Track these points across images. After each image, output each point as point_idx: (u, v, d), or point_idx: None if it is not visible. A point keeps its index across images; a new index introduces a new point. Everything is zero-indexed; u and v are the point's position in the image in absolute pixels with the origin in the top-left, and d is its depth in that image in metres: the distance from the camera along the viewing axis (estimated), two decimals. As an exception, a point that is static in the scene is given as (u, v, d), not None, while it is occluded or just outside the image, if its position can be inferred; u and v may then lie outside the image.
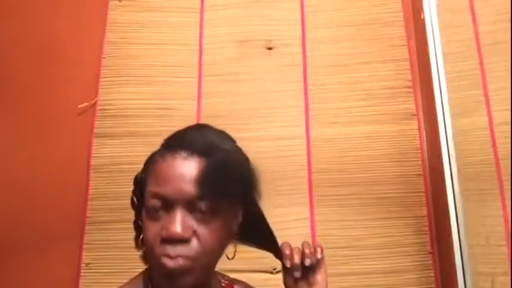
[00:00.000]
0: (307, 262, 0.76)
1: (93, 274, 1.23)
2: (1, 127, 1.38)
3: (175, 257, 0.64)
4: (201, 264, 0.67)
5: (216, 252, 0.70)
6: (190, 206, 0.65)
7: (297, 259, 0.76)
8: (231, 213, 0.72)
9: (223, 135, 0.74)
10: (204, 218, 0.66)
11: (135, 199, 0.73)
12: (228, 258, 0.74)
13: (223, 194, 0.66)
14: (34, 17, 1.48)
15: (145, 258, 0.75)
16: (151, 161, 0.72)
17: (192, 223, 0.65)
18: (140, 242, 0.71)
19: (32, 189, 1.31)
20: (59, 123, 1.38)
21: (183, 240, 0.65)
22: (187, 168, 0.66)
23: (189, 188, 0.65)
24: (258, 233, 0.83)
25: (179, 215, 0.65)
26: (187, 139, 0.70)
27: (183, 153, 0.67)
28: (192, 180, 0.65)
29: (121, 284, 0.76)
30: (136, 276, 0.78)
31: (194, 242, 0.65)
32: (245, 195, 0.70)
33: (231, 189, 0.66)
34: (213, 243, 0.68)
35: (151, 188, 0.67)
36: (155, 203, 0.66)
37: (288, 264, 0.77)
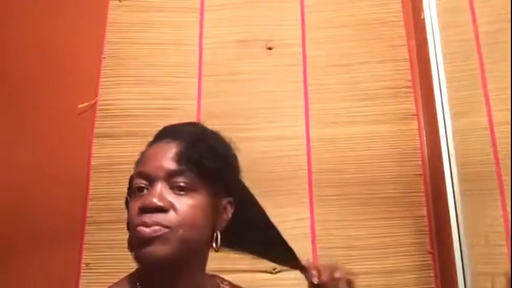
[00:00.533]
0: (337, 274, 0.77)
1: (93, 274, 1.23)
2: (1, 127, 1.38)
3: (151, 225, 0.66)
4: (178, 236, 0.67)
5: (196, 228, 0.70)
6: (170, 181, 0.70)
7: (325, 276, 0.77)
8: (214, 199, 0.73)
9: (209, 130, 0.78)
10: (183, 193, 0.70)
11: (129, 198, 0.74)
12: (215, 250, 0.75)
13: (201, 171, 0.70)
14: (34, 17, 1.48)
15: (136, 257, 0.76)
16: (140, 156, 0.76)
17: (171, 197, 0.69)
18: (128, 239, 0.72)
19: (32, 189, 1.31)
20: (59, 123, 1.38)
21: (161, 210, 0.67)
22: (167, 150, 0.71)
23: (168, 164, 0.70)
24: (269, 244, 0.86)
25: (158, 188, 0.69)
26: (172, 129, 0.75)
27: (167, 140, 0.73)
28: (171, 158, 0.70)
29: (110, 284, 0.77)
30: (125, 277, 0.78)
31: (171, 213, 0.68)
32: (220, 173, 0.72)
33: (208, 166, 0.70)
34: (192, 218, 0.70)
35: (137, 169, 0.72)
36: (139, 182, 0.70)
37: (316, 281, 0.79)
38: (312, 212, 1.27)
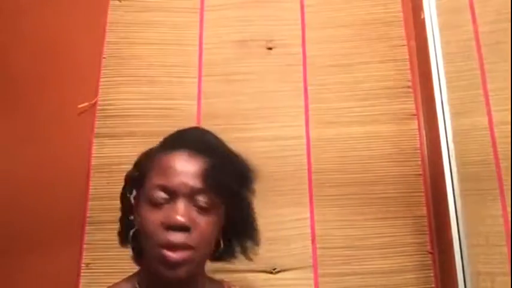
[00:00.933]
0: None
1: (93, 274, 1.23)
2: (1, 127, 1.38)
3: (177, 247, 0.68)
4: (199, 254, 0.71)
5: (210, 245, 0.75)
6: (191, 198, 0.71)
7: None
8: (222, 210, 0.76)
9: (216, 137, 0.80)
10: (202, 210, 0.72)
11: (129, 195, 0.77)
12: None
13: (223, 191, 0.72)
14: (34, 17, 1.48)
15: (136, 256, 0.77)
16: (150, 158, 0.77)
17: (193, 214, 0.71)
18: (131, 237, 0.76)
19: (32, 189, 1.31)
20: (59, 123, 1.38)
21: (185, 228, 0.69)
22: (190, 165, 0.72)
23: (192, 181, 0.71)
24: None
25: (182, 205, 0.70)
26: (188, 139, 0.76)
27: (186, 152, 0.73)
28: (195, 175, 0.71)
29: (110, 285, 0.78)
30: (124, 279, 0.80)
31: (194, 232, 0.70)
32: (238, 194, 0.75)
33: (228, 187, 0.72)
34: (210, 235, 0.73)
35: (155, 180, 0.72)
36: (159, 194, 0.71)
37: None
38: (312, 212, 1.27)
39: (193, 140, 0.76)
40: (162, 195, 0.71)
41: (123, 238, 0.81)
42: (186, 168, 0.72)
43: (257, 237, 0.81)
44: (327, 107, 1.36)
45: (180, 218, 0.69)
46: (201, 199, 0.72)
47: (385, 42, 1.41)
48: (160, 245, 0.69)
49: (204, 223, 0.71)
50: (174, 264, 0.68)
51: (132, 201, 0.78)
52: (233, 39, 1.43)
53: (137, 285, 0.77)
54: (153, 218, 0.70)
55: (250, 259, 0.82)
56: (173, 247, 0.68)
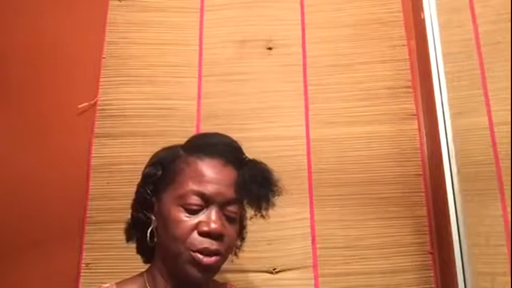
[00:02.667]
0: None
1: (93, 274, 1.23)
2: (0, 127, 1.38)
3: (213, 253, 0.72)
4: (225, 259, 0.76)
5: (232, 250, 0.80)
6: (223, 207, 0.74)
7: None
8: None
9: (237, 141, 0.84)
10: (231, 218, 0.75)
11: (148, 192, 0.78)
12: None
13: (250, 201, 0.76)
14: (33, 17, 1.48)
15: (149, 256, 0.79)
16: (178, 160, 0.78)
17: (224, 223, 0.74)
18: (149, 235, 0.77)
19: (32, 189, 1.32)
20: (59, 123, 1.38)
21: (220, 237, 0.73)
22: (225, 174, 0.75)
23: (227, 191, 0.74)
24: None
25: (217, 213, 0.73)
26: (220, 146, 0.78)
27: (221, 161, 0.76)
28: (229, 185, 0.75)
29: (121, 280, 0.79)
30: (134, 276, 0.80)
31: (225, 239, 0.74)
32: (263, 205, 0.79)
33: (258, 192, 0.76)
34: (234, 241, 0.78)
35: (193, 186, 0.74)
36: (196, 200, 0.73)
37: None
38: (312, 212, 1.27)
39: (225, 148, 0.78)
40: (198, 201, 0.73)
41: (131, 235, 0.83)
42: (222, 176, 0.75)
43: (244, 235, 0.86)
44: (327, 107, 1.36)
45: (217, 227, 0.72)
46: (231, 209, 0.75)
47: (385, 42, 1.41)
48: (195, 250, 0.71)
49: (231, 231, 0.76)
50: (207, 268, 0.72)
51: (153, 200, 0.79)
52: (233, 39, 1.43)
53: (147, 285, 0.78)
54: (187, 223, 0.72)
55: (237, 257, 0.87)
56: (208, 253, 0.71)
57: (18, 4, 1.49)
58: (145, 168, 0.83)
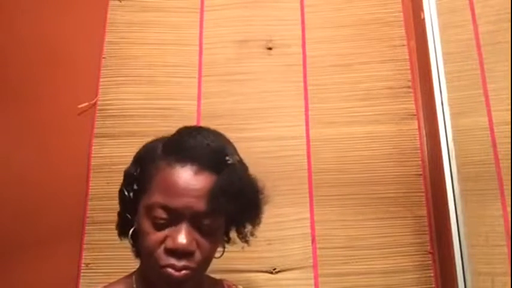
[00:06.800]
0: None
1: (93, 274, 1.23)
2: (0, 127, 1.38)
3: (180, 269, 0.66)
4: (200, 272, 0.71)
5: (211, 261, 0.73)
6: (195, 221, 0.68)
7: None
8: (224, 223, 0.74)
9: (225, 142, 0.75)
10: (206, 231, 0.69)
11: (126, 193, 0.74)
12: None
13: (228, 212, 0.69)
14: (33, 17, 1.48)
15: (135, 254, 0.77)
16: (153, 162, 0.71)
17: (196, 236, 0.68)
18: (130, 235, 0.74)
19: (32, 189, 1.31)
20: (59, 123, 1.38)
21: (189, 254, 0.67)
22: (197, 184, 0.67)
23: (198, 204, 0.67)
24: None
25: (186, 228, 0.67)
26: (196, 151, 0.70)
27: (194, 167, 0.68)
28: (202, 196, 0.67)
29: (108, 283, 0.78)
30: (121, 278, 0.79)
31: (197, 254, 0.68)
32: (245, 213, 0.72)
33: (235, 208, 0.68)
34: (212, 253, 0.72)
35: (157, 198, 0.68)
36: (162, 214, 0.67)
37: None
38: (312, 212, 1.27)
39: (201, 151, 0.70)
40: (163, 215, 0.67)
41: (121, 232, 0.80)
42: (191, 187, 0.67)
43: (256, 217, 0.74)
44: (327, 107, 1.36)
45: (183, 244, 0.66)
46: (206, 222, 0.68)
47: (385, 42, 1.41)
48: (162, 265, 0.67)
49: (207, 245, 0.69)
50: (178, 283, 0.67)
51: (132, 198, 0.75)
52: (233, 39, 1.43)
53: (134, 285, 0.76)
54: (155, 237, 0.67)
55: (246, 242, 0.79)
56: (176, 269, 0.66)
57: (18, 4, 1.49)
58: (130, 164, 0.78)
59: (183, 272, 0.66)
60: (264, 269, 1.22)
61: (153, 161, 0.72)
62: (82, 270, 1.24)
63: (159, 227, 0.68)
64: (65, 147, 1.35)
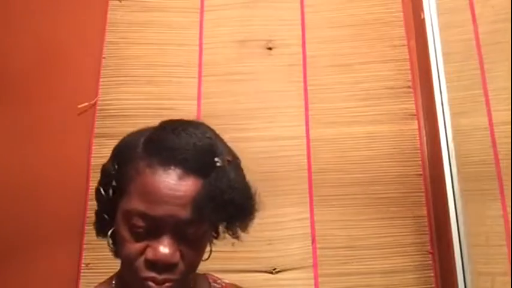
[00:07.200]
0: None
1: (93, 274, 1.23)
2: (1, 127, 1.38)
3: (161, 282, 0.60)
4: (183, 280, 0.64)
5: (196, 268, 0.67)
6: (179, 229, 0.61)
7: None
8: (212, 229, 0.68)
9: (214, 140, 0.66)
10: (191, 239, 0.62)
11: (102, 191, 0.66)
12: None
13: (215, 218, 0.63)
14: (34, 17, 1.48)
15: (114, 255, 0.72)
16: (132, 161, 0.64)
17: (179, 246, 0.61)
18: (109, 237, 0.68)
19: (32, 189, 1.31)
20: (59, 123, 1.38)
21: (171, 267, 0.61)
22: (181, 190, 0.60)
23: (181, 212, 0.60)
24: None
25: (168, 238, 0.60)
26: (181, 152, 0.61)
27: (178, 171, 0.60)
28: (186, 204, 0.60)
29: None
30: (104, 281, 0.76)
31: (180, 265, 0.62)
32: (233, 220, 0.64)
33: (222, 216, 0.62)
34: (198, 260, 0.66)
35: (137, 205, 0.60)
36: (141, 222, 0.60)
37: None
38: (312, 212, 1.27)
39: (186, 152, 0.61)
40: (142, 224, 0.60)
41: (99, 232, 0.72)
42: (174, 193, 0.59)
43: (246, 224, 0.65)
44: (327, 107, 1.36)
45: (165, 256, 0.59)
46: (190, 231, 0.61)
47: (385, 42, 1.41)
48: (142, 278, 0.61)
49: (191, 254, 0.62)
50: None
51: (110, 198, 0.66)
52: (233, 39, 1.43)
53: (113, 284, 0.73)
54: (133, 247, 0.61)
55: (237, 238, 0.69)
56: (157, 282, 0.60)
57: (18, 4, 1.49)
58: (108, 159, 0.70)
59: (165, 285, 0.60)
60: (264, 269, 1.22)
61: (132, 159, 0.64)
62: (82, 270, 1.24)
63: (137, 237, 0.61)
64: (65, 147, 1.35)
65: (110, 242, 0.68)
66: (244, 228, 0.65)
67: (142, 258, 0.61)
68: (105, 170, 0.68)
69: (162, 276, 0.60)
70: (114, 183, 0.65)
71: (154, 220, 0.60)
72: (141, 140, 0.66)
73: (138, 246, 0.61)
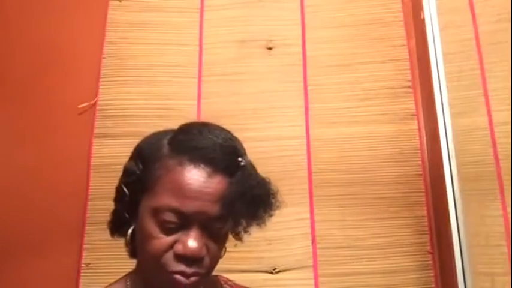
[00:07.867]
0: None
1: (93, 274, 1.23)
2: (1, 127, 1.38)
3: (190, 275, 0.63)
4: (208, 276, 0.68)
5: (218, 261, 0.70)
6: (207, 224, 0.64)
7: None
8: (233, 226, 0.71)
9: (235, 142, 0.72)
10: (216, 235, 0.66)
11: (126, 190, 0.70)
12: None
13: (241, 216, 0.66)
14: (34, 17, 1.48)
15: (131, 255, 0.73)
16: (159, 159, 0.67)
17: (206, 240, 0.65)
18: (129, 236, 0.70)
19: (32, 189, 1.32)
20: (59, 123, 1.38)
21: (199, 260, 0.64)
22: (210, 187, 0.64)
23: (212, 208, 0.63)
24: None
25: (197, 233, 0.63)
26: (209, 152, 0.65)
27: (208, 169, 0.64)
28: (215, 200, 0.63)
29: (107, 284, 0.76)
30: (117, 280, 0.76)
31: (206, 259, 0.65)
32: (256, 216, 0.68)
33: (248, 212, 0.66)
34: (219, 256, 0.69)
35: (166, 200, 0.63)
36: (172, 217, 0.63)
37: None
38: (312, 212, 1.27)
39: (215, 152, 0.65)
40: (174, 219, 0.63)
41: (114, 230, 0.75)
42: (205, 190, 0.63)
43: (264, 220, 0.68)
44: (327, 107, 1.36)
45: (194, 250, 0.62)
46: (217, 225, 0.65)
47: (385, 42, 1.41)
48: (170, 271, 0.63)
49: (216, 249, 0.66)
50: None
51: (132, 196, 0.70)
52: (233, 39, 1.43)
53: (128, 283, 0.74)
54: (163, 242, 0.63)
55: (240, 239, 0.74)
56: (185, 276, 0.63)
57: (18, 5, 1.49)
58: (129, 159, 0.73)
59: (193, 278, 0.63)
60: (264, 269, 1.22)
61: (159, 159, 0.67)
62: (82, 270, 1.24)
63: (167, 231, 0.64)
64: (65, 147, 1.35)
65: (129, 240, 0.70)
66: (262, 223, 0.68)
67: (170, 253, 0.64)
68: (128, 170, 0.71)
69: (191, 269, 0.63)
70: (138, 182, 0.68)
71: (185, 215, 0.63)
72: (164, 141, 0.69)
73: (167, 240, 0.64)
